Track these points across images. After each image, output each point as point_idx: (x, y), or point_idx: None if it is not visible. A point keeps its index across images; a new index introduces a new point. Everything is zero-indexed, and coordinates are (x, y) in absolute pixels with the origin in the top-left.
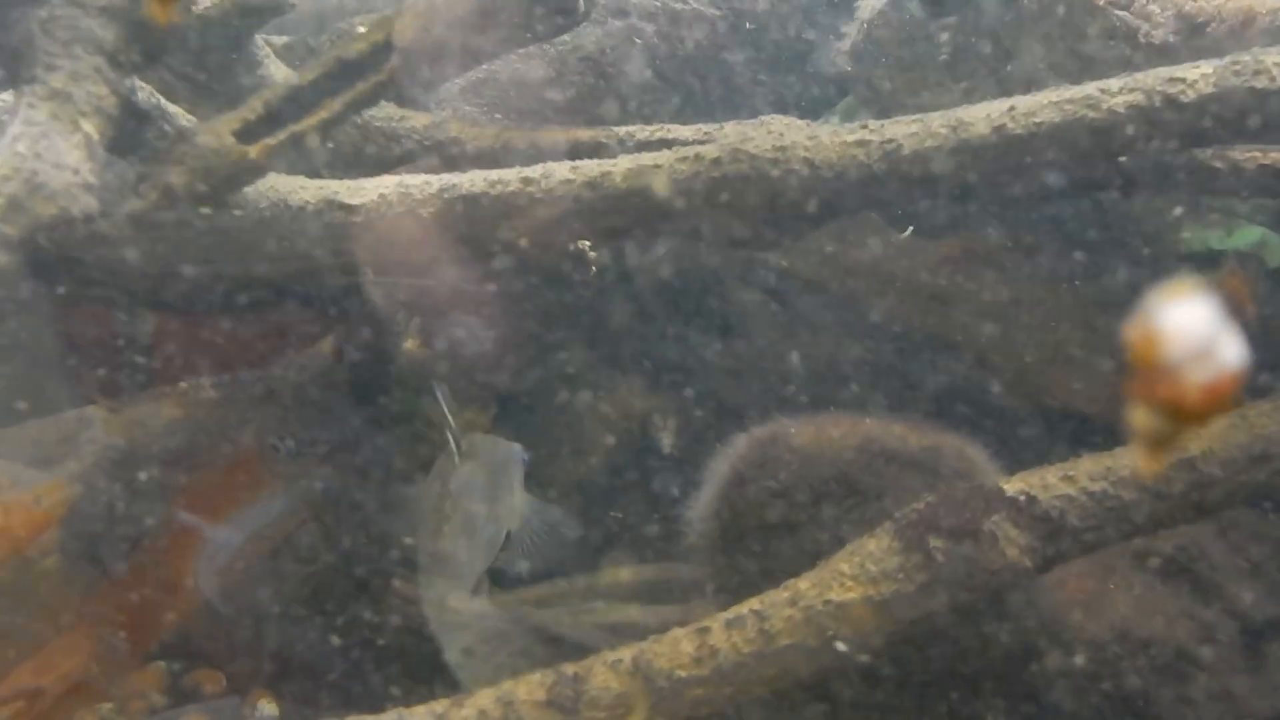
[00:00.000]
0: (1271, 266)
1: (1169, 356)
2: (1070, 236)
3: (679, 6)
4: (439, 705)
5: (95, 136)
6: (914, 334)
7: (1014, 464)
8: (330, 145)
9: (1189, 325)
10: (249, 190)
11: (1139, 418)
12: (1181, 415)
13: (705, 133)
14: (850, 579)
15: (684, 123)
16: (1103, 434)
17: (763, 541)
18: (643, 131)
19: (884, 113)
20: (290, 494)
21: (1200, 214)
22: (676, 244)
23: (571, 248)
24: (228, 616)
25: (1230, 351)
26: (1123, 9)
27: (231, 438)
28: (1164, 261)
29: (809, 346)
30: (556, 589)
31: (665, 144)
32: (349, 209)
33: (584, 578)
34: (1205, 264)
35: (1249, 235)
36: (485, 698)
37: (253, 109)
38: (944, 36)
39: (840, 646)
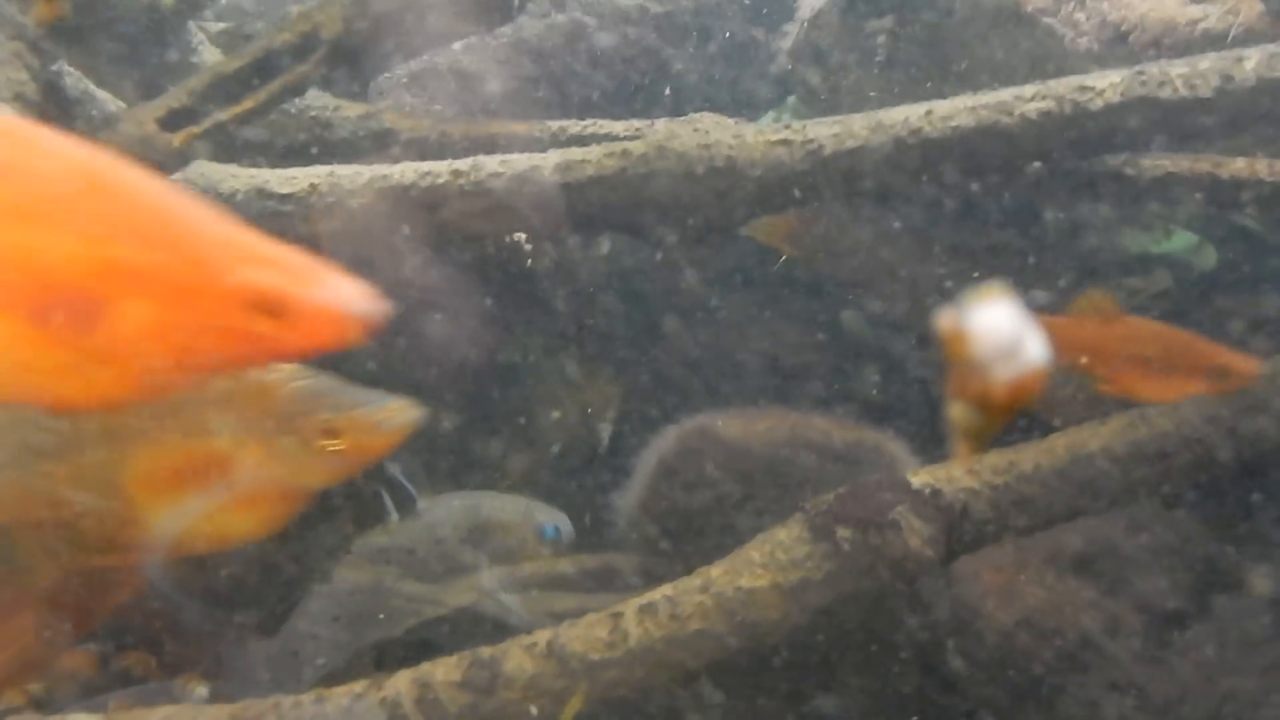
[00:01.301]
0: (1203, 270)
1: (978, 356)
2: (1009, 237)
3: (624, 2)
4: (358, 685)
5: None
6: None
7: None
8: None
9: (995, 327)
10: (177, 176)
11: (955, 412)
12: (991, 410)
13: (636, 129)
14: (760, 566)
15: (629, 118)
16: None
17: (690, 530)
18: (575, 126)
19: (823, 112)
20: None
21: (1138, 217)
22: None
23: (507, 240)
24: (170, 600)
25: (1033, 350)
26: (1050, 16)
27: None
28: (1101, 263)
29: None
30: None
31: (597, 139)
32: (280, 198)
33: (526, 566)
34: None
35: (1183, 240)
36: (402, 679)
37: (177, 97)
38: (880, 39)
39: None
